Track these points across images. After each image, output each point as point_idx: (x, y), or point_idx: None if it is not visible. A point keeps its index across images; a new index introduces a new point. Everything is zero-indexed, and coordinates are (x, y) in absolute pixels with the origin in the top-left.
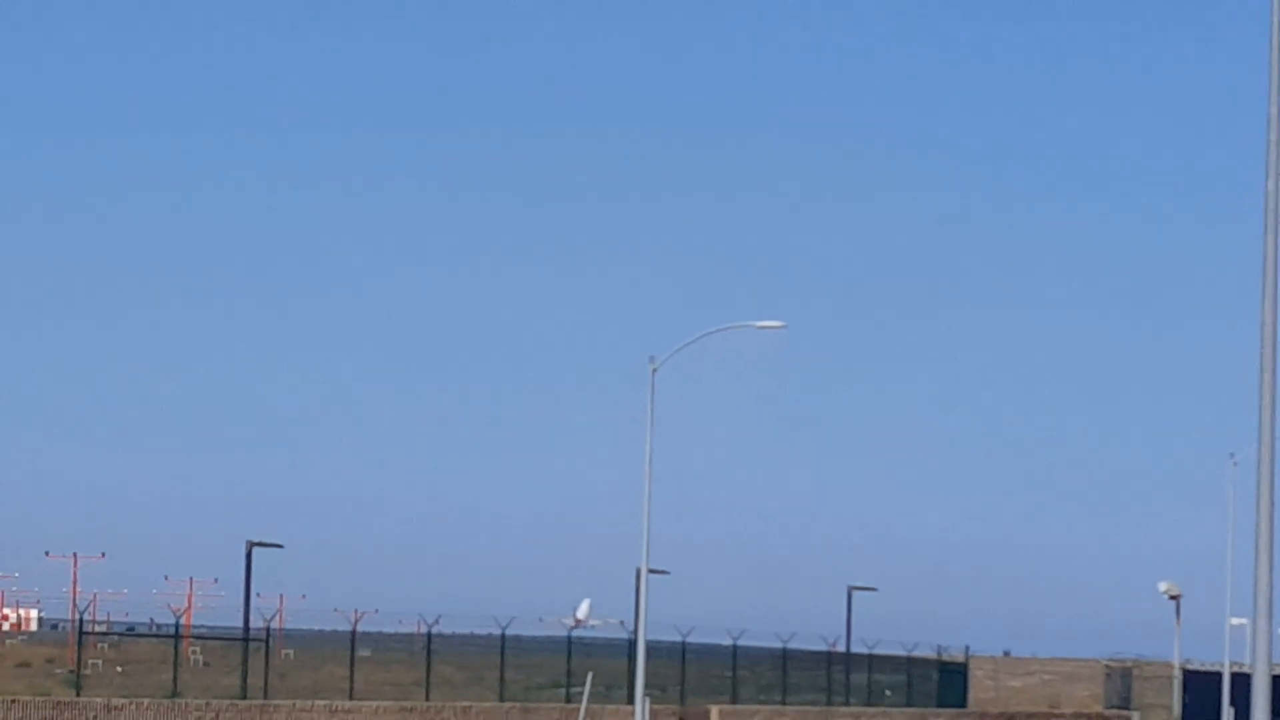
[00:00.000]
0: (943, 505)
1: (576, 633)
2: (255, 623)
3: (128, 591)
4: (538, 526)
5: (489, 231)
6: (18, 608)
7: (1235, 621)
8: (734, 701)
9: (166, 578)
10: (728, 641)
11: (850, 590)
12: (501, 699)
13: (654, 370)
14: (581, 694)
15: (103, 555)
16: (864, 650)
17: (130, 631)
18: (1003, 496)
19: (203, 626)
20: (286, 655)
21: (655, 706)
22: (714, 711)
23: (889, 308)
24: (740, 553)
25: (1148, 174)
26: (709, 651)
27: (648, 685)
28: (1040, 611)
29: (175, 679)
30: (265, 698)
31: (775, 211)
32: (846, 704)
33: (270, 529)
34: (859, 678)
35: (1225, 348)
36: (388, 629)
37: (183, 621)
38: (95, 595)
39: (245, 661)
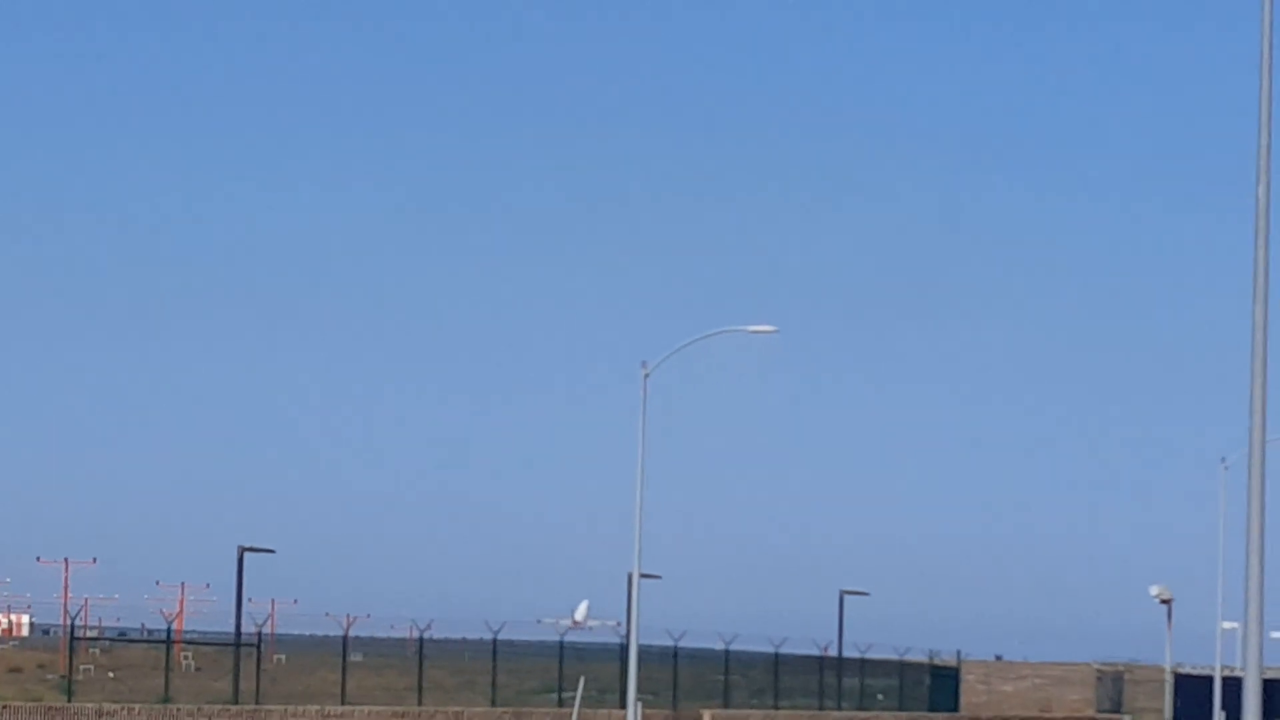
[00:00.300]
0: (934, 509)
1: (569, 637)
2: (247, 628)
3: (119, 597)
4: (530, 531)
5: (480, 234)
6: (9, 613)
7: (1227, 625)
8: (726, 706)
9: (158, 583)
10: (720, 646)
11: (842, 594)
12: (494, 703)
13: (646, 375)
14: (574, 698)
15: (94, 560)
16: (856, 654)
17: (122, 637)
18: (994, 500)
19: (194, 632)
20: (278, 660)
21: (647, 711)
22: (706, 716)
23: (880, 312)
24: (732, 557)
25: (1140, 178)
26: (701, 656)
27: (640, 689)
28: (1032, 616)
29: (167, 684)
30: (257, 703)
31: (767, 215)
32: (839, 708)
33: (262, 534)
34: (851, 682)
35: (1216, 352)
36: (380, 634)
37: (174, 627)
38: (87, 600)
39: (237, 666)
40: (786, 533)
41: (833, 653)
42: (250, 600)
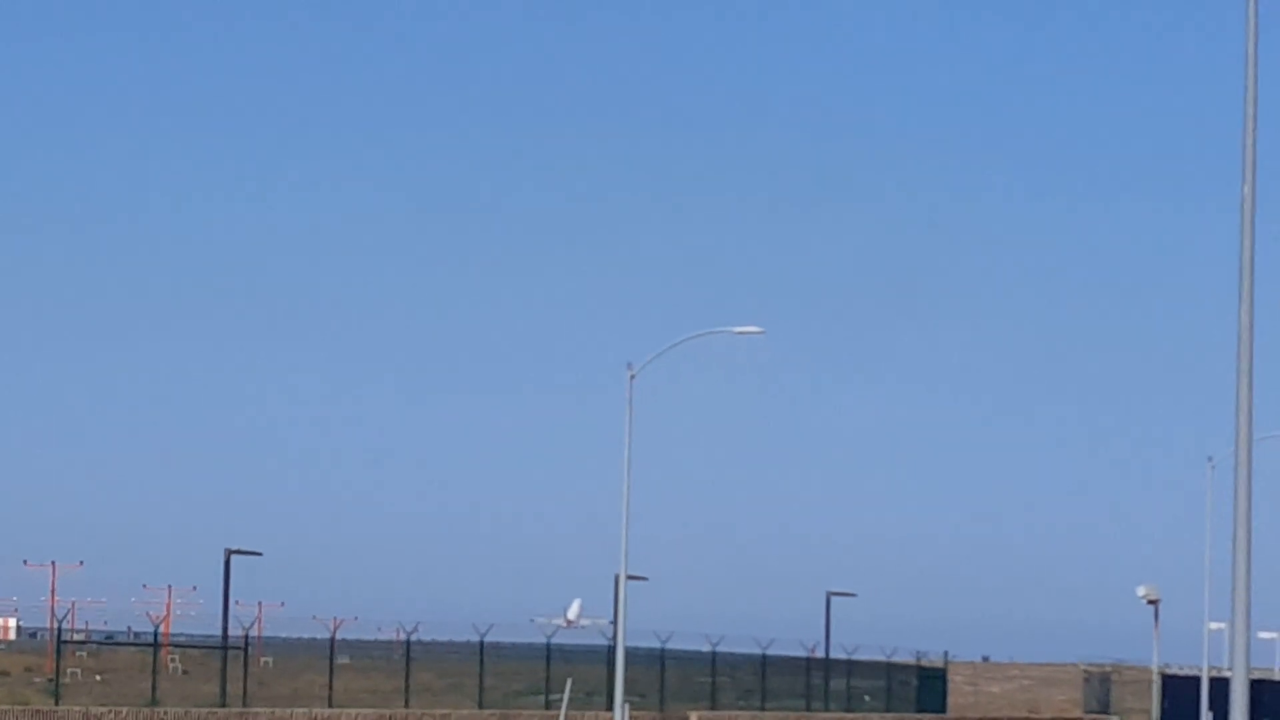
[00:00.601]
0: (921, 510)
1: (556, 639)
2: (234, 630)
3: (106, 600)
4: (517, 533)
5: (468, 237)
6: None
7: (1214, 626)
8: (713, 707)
9: (145, 586)
10: (707, 647)
11: (829, 595)
12: (481, 706)
13: (632, 377)
14: (561, 700)
15: (81, 564)
16: (843, 656)
17: (109, 640)
18: (981, 501)
19: (181, 635)
20: (265, 663)
21: (635, 712)
22: (693, 717)
23: (866, 313)
24: (719, 558)
25: (1126, 179)
26: (688, 657)
27: (627, 691)
28: (1019, 616)
29: (154, 687)
30: (244, 705)
31: (754, 216)
32: (826, 709)
33: (249, 537)
34: (838, 683)
35: (1203, 351)
36: (367, 636)
37: (161, 630)
38: (74, 604)
39: (224, 669)
40: (773, 534)
41: (820, 654)
42: (237, 603)
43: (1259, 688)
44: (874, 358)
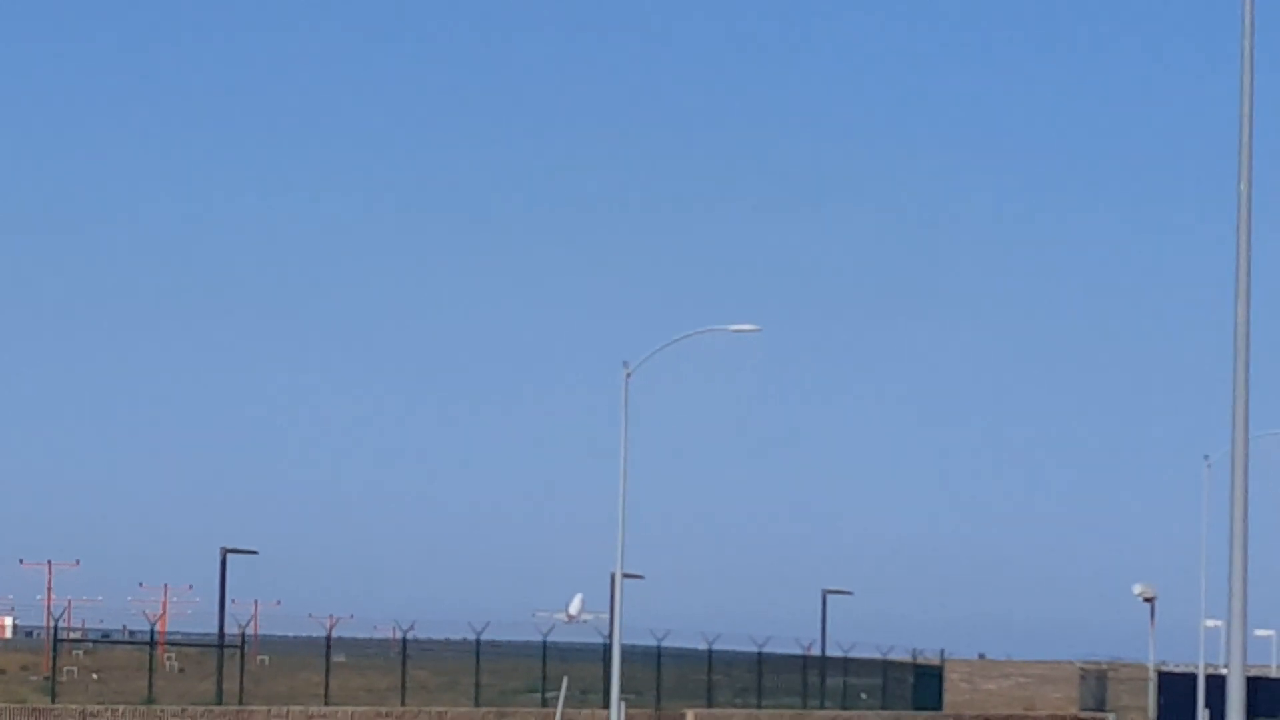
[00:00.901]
0: (917, 508)
1: (552, 637)
2: (230, 629)
3: (102, 598)
4: (513, 532)
5: (464, 237)
6: None
7: (1210, 623)
8: (709, 705)
9: (141, 584)
10: (703, 645)
11: (825, 593)
12: (477, 704)
13: (628, 375)
14: (557, 698)
15: (77, 562)
16: (839, 653)
17: (105, 638)
18: (977, 499)
19: (178, 633)
20: (262, 661)
21: (631, 710)
22: (689, 715)
23: (863, 311)
24: (715, 556)
25: (1121, 178)
26: (684, 655)
27: (623, 689)
28: (1015, 614)
29: (150, 685)
30: (241, 704)
31: (750, 214)
32: (822, 707)
33: (245, 535)
34: (834, 681)
35: (1199, 349)
36: (363, 634)
37: (158, 628)
38: (70, 602)
39: (220, 668)
40: (769, 532)
41: (816, 652)
42: (233, 601)
43: (1255, 685)
44: (870, 357)
